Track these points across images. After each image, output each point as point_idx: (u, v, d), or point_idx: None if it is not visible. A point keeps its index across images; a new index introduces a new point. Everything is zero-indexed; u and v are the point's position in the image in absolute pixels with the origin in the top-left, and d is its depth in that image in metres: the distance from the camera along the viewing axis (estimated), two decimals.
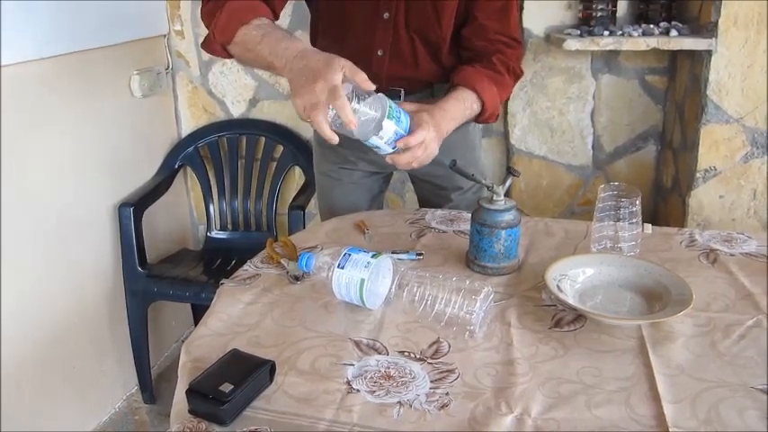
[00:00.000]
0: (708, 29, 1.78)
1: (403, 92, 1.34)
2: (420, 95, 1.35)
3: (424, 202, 1.63)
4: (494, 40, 1.31)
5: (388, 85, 1.29)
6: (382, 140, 1.02)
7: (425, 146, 1.08)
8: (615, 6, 1.94)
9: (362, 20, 1.28)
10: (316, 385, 0.82)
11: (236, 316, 1.00)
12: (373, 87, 0.99)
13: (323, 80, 0.94)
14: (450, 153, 1.46)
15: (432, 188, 1.58)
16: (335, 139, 0.98)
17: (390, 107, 1.01)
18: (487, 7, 1.29)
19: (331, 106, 0.94)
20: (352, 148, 1.49)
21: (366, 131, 1.00)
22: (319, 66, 0.97)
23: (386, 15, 1.27)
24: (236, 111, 2.39)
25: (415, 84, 1.35)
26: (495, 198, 1.10)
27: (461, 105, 1.22)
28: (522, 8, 2.01)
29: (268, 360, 0.83)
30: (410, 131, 1.05)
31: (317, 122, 0.95)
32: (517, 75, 1.36)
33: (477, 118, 1.29)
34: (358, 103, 0.97)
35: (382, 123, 1.00)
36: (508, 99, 2.11)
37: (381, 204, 1.67)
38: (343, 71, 0.96)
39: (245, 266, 1.16)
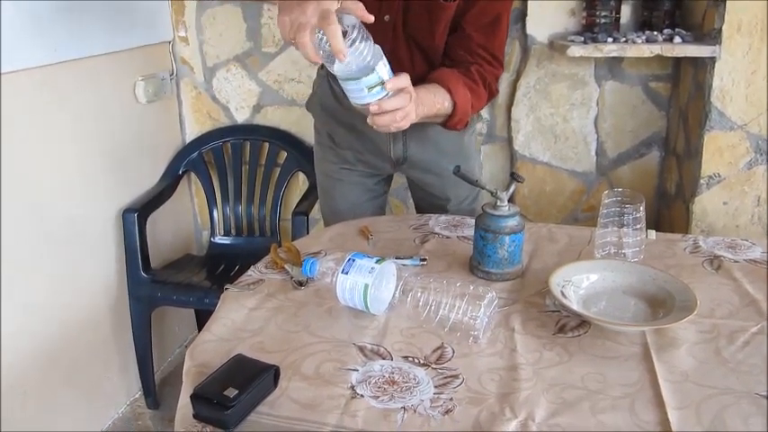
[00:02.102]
0: (711, 36, 1.79)
1: None
2: None
3: (421, 212, 1.63)
4: (475, 53, 1.31)
5: None
6: (364, 85, 1.00)
7: (405, 111, 1.06)
8: (619, 13, 1.94)
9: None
10: (320, 390, 0.82)
11: (240, 321, 1.00)
12: (372, 18, 0.96)
13: (316, 1, 0.92)
14: (444, 161, 1.46)
15: (426, 196, 1.59)
16: (318, 61, 0.95)
17: (384, 59, 0.99)
18: (476, 20, 1.29)
19: (321, 31, 0.92)
20: (351, 149, 1.50)
21: (351, 70, 0.97)
22: None
23: (386, 18, 1.28)
24: (240, 116, 2.39)
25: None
26: (498, 204, 1.10)
27: (432, 97, 1.21)
28: (525, 15, 2.03)
29: (272, 365, 0.83)
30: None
31: (302, 43, 0.93)
32: (492, 91, 1.35)
33: (446, 122, 1.29)
34: (355, 39, 0.94)
35: (375, 68, 0.98)
36: (512, 105, 2.12)
37: (383, 206, 1.67)
38: (339, 1, 0.94)
39: (249, 272, 1.17)
